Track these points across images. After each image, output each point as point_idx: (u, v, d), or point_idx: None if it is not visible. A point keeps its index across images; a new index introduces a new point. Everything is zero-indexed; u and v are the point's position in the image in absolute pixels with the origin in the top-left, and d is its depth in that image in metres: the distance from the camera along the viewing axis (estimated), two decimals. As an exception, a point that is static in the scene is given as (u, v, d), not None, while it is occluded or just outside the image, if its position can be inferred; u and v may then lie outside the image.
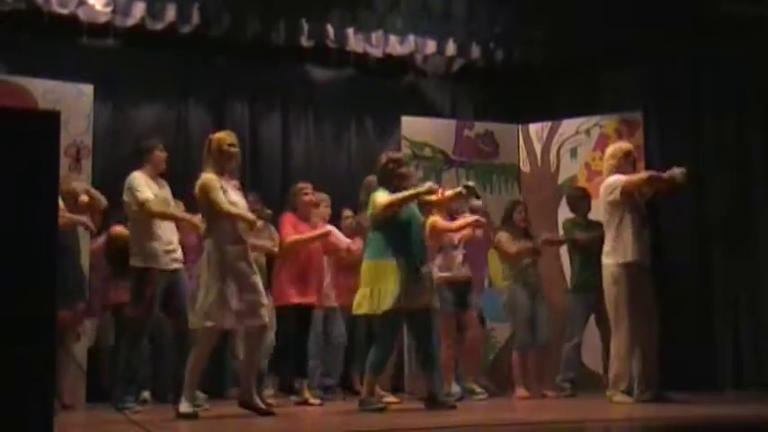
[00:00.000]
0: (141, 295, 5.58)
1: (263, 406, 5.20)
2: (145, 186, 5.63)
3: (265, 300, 5.17)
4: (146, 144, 5.91)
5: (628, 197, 5.72)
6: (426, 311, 5.41)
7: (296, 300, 6.16)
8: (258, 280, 5.13)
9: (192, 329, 5.35)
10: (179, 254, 5.76)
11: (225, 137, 5.25)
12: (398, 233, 5.37)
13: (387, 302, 5.25)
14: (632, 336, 5.62)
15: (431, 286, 5.48)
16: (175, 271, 5.70)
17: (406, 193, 5.42)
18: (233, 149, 5.23)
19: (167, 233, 5.70)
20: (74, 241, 6.18)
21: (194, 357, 5.01)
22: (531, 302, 6.84)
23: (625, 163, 5.87)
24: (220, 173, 5.15)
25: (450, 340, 6.50)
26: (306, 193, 6.34)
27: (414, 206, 5.55)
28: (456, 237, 6.69)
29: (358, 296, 5.45)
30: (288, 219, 6.31)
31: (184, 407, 4.89)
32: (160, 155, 5.83)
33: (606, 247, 5.83)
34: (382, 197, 5.41)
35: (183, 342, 5.57)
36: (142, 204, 5.58)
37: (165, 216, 5.69)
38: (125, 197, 5.69)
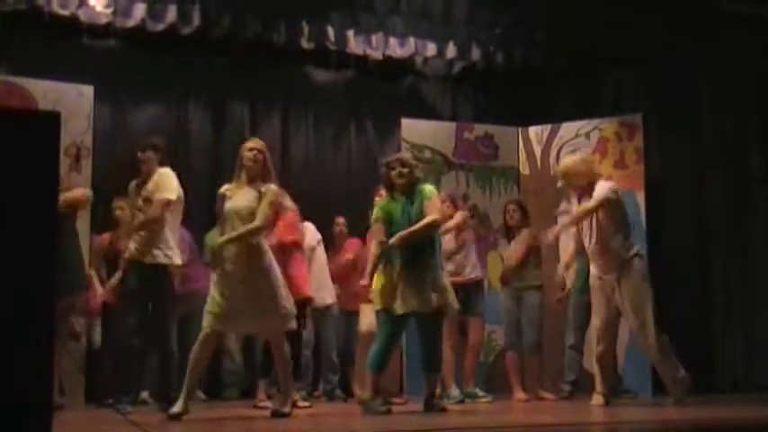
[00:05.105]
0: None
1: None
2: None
3: (257, 306, 4.88)
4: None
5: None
6: (429, 313, 5.28)
7: None
8: (244, 288, 4.84)
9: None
10: (150, 242, 5.48)
11: (246, 144, 5.14)
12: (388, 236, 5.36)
13: (376, 302, 5.37)
14: (597, 338, 5.84)
15: (433, 288, 5.25)
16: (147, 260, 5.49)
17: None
18: (247, 157, 5.04)
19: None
20: (72, 229, 5.82)
21: (191, 358, 4.94)
22: (515, 305, 6.87)
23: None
24: (233, 179, 5.09)
25: (450, 342, 6.48)
26: None
27: (405, 206, 5.36)
28: (450, 242, 6.67)
29: None
30: None
31: (176, 407, 4.75)
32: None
33: None
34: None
35: (175, 341, 5.53)
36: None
37: None
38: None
